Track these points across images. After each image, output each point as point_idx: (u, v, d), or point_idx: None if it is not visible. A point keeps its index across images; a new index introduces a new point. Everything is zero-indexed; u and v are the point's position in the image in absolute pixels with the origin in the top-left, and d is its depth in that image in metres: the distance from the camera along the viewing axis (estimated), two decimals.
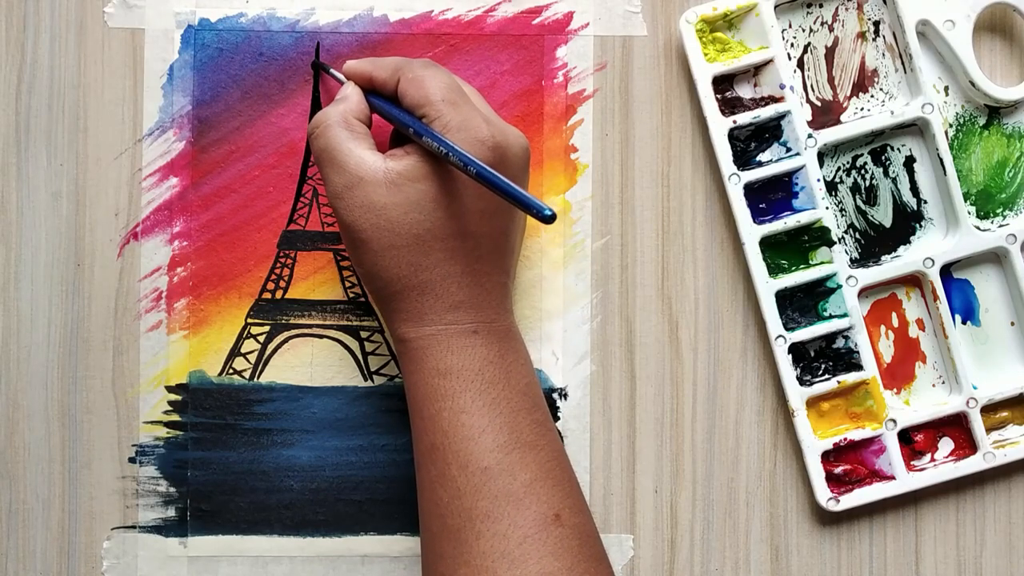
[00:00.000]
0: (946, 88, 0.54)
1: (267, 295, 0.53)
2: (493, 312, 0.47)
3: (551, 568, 0.43)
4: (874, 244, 0.54)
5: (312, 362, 0.53)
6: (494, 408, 0.45)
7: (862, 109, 0.54)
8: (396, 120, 0.47)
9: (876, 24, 0.54)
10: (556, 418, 0.53)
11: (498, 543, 0.44)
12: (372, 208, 0.45)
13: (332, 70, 0.51)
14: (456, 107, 0.45)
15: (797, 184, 0.53)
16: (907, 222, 0.54)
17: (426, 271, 0.46)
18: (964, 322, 0.54)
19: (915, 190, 0.54)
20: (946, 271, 0.53)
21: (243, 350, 0.53)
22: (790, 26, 0.54)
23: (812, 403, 0.53)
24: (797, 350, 0.53)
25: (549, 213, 0.42)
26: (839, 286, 0.52)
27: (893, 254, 0.54)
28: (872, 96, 0.54)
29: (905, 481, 0.52)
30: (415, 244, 0.45)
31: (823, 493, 0.52)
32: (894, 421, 0.52)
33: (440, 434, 0.45)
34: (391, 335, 0.48)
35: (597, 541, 0.46)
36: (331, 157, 0.46)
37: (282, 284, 0.53)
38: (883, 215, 0.54)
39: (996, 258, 0.54)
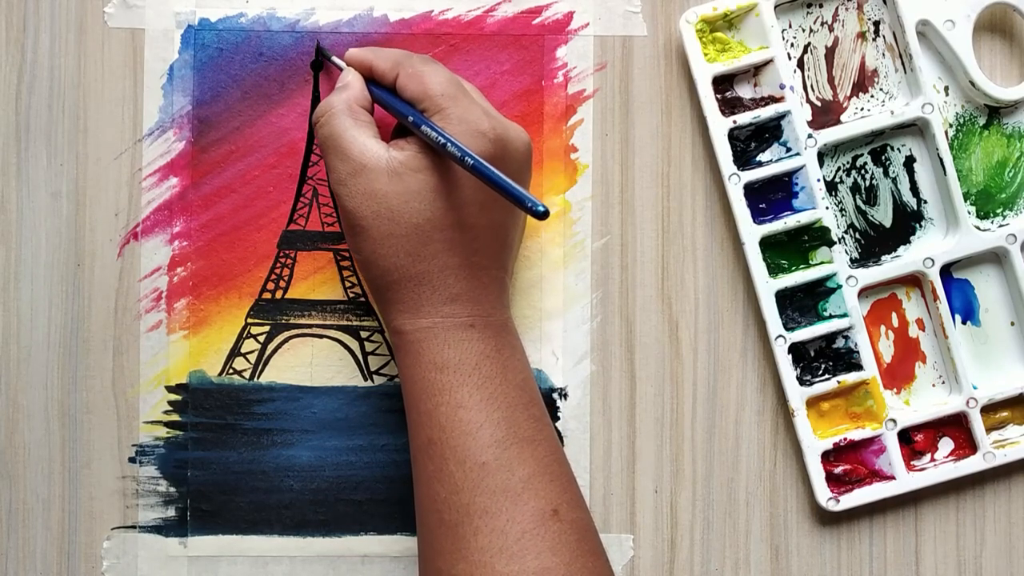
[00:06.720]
0: (946, 88, 0.54)
1: (267, 295, 0.53)
2: (490, 306, 0.47)
3: (549, 563, 0.43)
4: (874, 244, 0.54)
5: (312, 362, 0.53)
6: (492, 403, 0.45)
7: (862, 109, 0.54)
8: (395, 110, 0.47)
9: (876, 24, 0.54)
10: (556, 418, 0.53)
11: (496, 539, 0.44)
12: (373, 196, 0.46)
13: (333, 57, 0.52)
14: (456, 100, 0.46)
15: (797, 184, 0.53)
16: (907, 222, 0.54)
17: (424, 261, 0.46)
18: (964, 322, 0.54)
19: (915, 190, 0.54)
20: (946, 271, 0.53)
21: (243, 350, 0.53)
22: (790, 26, 0.54)
23: (812, 403, 0.53)
24: (797, 350, 0.53)
25: (542, 209, 0.42)
26: (839, 286, 0.52)
27: (893, 254, 0.54)
28: (872, 96, 0.54)
29: (905, 481, 0.52)
30: (414, 233, 0.46)
31: (823, 493, 0.52)
32: (894, 421, 0.52)
33: (437, 429, 0.45)
34: (387, 327, 0.48)
35: (595, 536, 0.46)
36: (336, 144, 0.47)
37: (282, 284, 0.53)
38: (883, 215, 0.54)
39: (996, 258, 0.54)
